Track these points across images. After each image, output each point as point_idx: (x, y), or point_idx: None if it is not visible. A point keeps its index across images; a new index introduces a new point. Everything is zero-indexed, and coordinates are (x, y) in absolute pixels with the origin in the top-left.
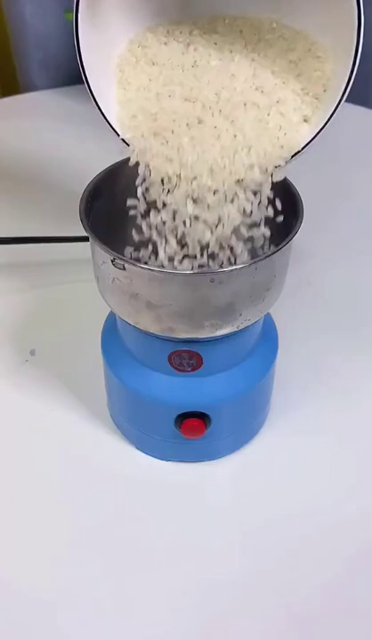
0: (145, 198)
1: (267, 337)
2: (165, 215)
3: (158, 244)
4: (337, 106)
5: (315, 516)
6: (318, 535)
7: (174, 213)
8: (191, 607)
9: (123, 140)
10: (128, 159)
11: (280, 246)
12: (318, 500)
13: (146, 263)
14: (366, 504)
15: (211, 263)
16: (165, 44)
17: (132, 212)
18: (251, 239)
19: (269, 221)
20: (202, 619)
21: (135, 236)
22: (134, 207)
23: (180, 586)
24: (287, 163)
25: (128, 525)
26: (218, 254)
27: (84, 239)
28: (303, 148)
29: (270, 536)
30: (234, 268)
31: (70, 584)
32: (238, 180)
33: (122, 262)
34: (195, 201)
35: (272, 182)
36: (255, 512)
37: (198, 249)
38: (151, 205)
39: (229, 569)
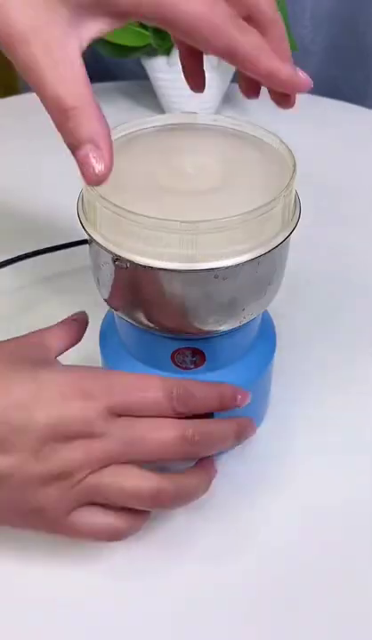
0: None
1: (265, 333)
2: None
3: None
4: None
5: (315, 514)
6: (318, 534)
7: None
8: (190, 606)
9: None
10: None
11: (282, 240)
12: (317, 498)
13: None
14: (367, 502)
15: None
16: None
17: None
18: None
19: None
20: (200, 616)
21: None
22: None
23: (177, 585)
24: None
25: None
26: None
27: (81, 243)
28: None
29: (269, 534)
30: (238, 262)
31: (66, 581)
32: None
33: (124, 262)
34: None
35: None
36: (254, 509)
37: None
38: None
39: (225, 568)
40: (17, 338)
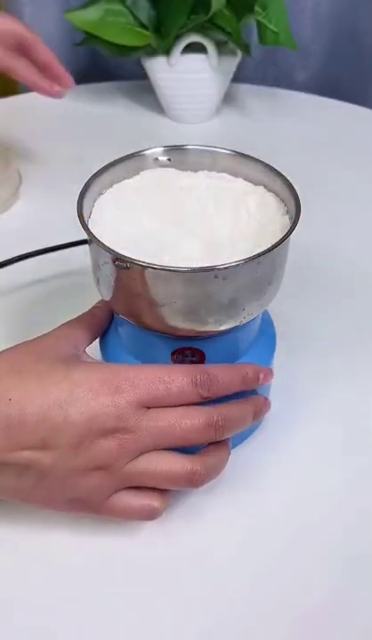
0: None
1: (265, 333)
2: None
3: None
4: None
5: (312, 517)
6: (316, 537)
7: None
8: (190, 606)
9: None
10: (124, 159)
11: (281, 239)
12: (315, 501)
13: None
14: (366, 505)
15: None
16: None
17: None
18: None
19: None
20: (201, 620)
21: None
22: None
23: (175, 586)
24: None
25: (122, 526)
26: None
27: (81, 243)
28: None
29: (266, 536)
30: (238, 262)
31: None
32: None
33: (125, 261)
34: None
35: None
36: (251, 511)
37: None
38: None
39: (223, 571)
40: (45, 335)
